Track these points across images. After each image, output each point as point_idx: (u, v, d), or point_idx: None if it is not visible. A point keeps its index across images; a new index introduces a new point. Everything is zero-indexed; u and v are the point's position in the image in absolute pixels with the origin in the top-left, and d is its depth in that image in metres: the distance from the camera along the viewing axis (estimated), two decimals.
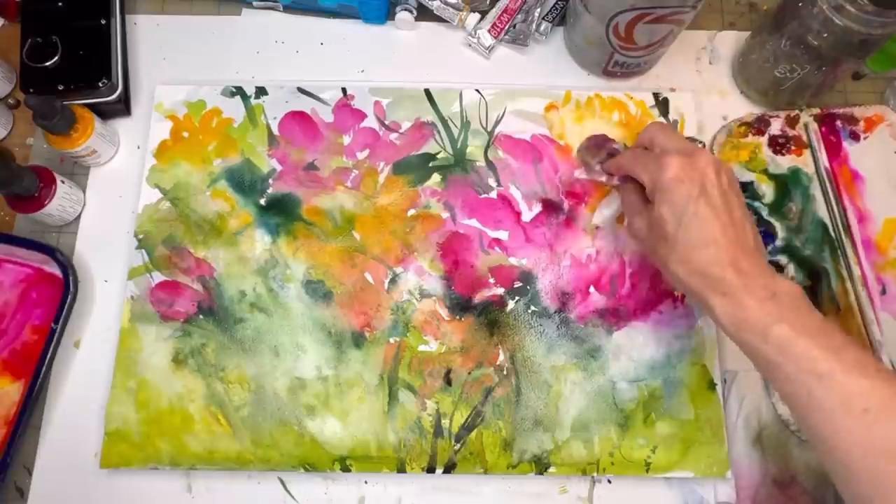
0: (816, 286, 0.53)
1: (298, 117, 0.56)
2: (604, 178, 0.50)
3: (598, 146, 0.51)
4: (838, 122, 0.56)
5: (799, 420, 0.38)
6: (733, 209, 0.41)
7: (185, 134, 0.55)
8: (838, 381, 0.35)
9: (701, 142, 0.55)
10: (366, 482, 0.49)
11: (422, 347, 0.51)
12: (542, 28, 0.59)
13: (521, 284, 0.52)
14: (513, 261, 0.53)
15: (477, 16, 0.58)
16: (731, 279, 0.39)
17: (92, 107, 0.53)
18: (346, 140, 0.55)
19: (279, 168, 0.54)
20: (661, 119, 0.56)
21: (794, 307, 0.38)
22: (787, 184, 0.55)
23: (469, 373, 0.50)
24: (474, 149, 0.55)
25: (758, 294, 0.39)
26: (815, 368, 0.36)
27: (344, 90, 0.56)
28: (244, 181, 0.54)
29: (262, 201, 0.54)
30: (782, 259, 0.53)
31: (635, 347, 0.51)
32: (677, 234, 0.41)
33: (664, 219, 0.42)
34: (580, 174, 0.53)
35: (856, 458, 0.35)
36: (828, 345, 0.36)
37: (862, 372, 0.35)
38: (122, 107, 0.56)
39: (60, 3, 0.55)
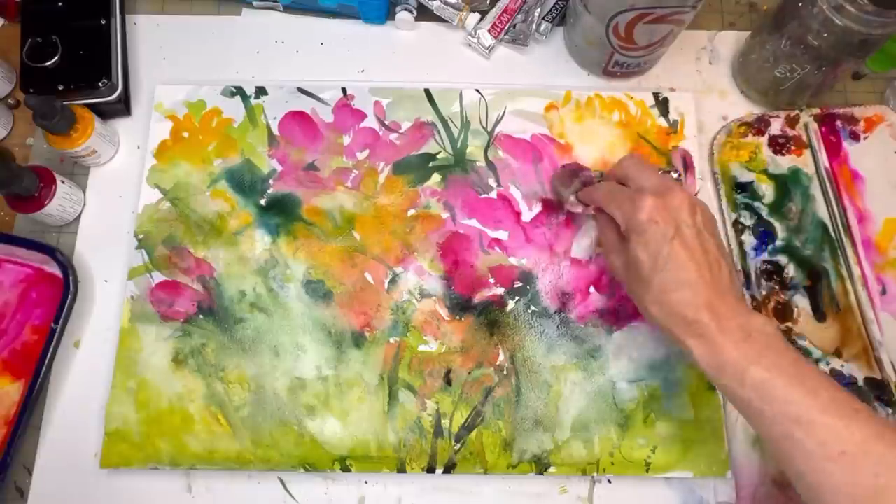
0: (816, 286, 0.53)
1: (298, 117, 0.56)
2: (579, 210, 0.49)
3: (573, 175, 0.50)
4: (838, 122, 0.56)
5: (780, 461, 0.38)
6: (708, 249, 0.41)
7: (185, 134, 0.55)
8: (815, 422, 0.35)
9: (678, 171, 0.53)
10: (366, 482, 0.49)
11: (422, 347, 0.51)
12: (542, 28, 0.59)
13: (521, 284, 0.52)
14: (513, 261, 0.53)
15: (477, 16, 0.58)
16: (705, 321, 0.39)
17: (92, 107, 0.53)
18: (346, 140, 0.55)
19: (279, 168, 0.54)
20: (662, 119, 0.56)
21: (769, 346, 0.38)
22: (787, 184, 0.55)
23: (469, 373, 0.50)
24: (474, 149, 0.55)
25: (733, 335, 0.39)
26: (793, 410, 0.36)
27: (344, 90, 0.56)
28: (244, 181, 0.54)
29: (263, 201, 0.54)
30: (782, 259, 0.53)
31: (635, 347, 0.51)
32: (653, 276, 0.41)
33: (640, 259, 0.41)
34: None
35: (838, 502, 0.35)
36: (804, 385, 0.37)
37: (838, 412, 0.36)
38: (122, 107, 0.56)
39: (60, 3, 0.55)
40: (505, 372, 0.50)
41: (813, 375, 0.37)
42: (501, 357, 0.50)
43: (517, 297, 0.52)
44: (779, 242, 0.54)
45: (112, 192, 0.55)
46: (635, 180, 0.44)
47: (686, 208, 0.41)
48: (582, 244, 0.53)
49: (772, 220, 0.54)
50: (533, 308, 0.51)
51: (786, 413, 0.36)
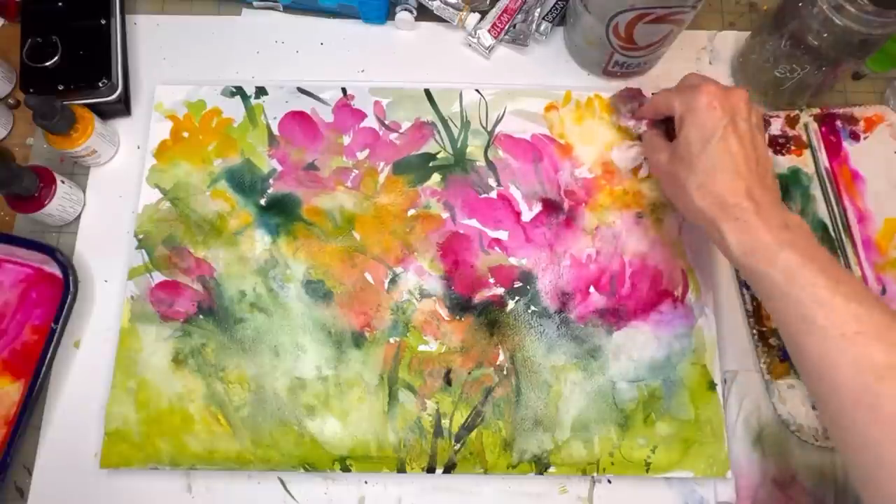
0: None
1: (298, 117, 0.56)
2: (631, 123, 0.52)
3: (632, 97, 0.54)
4: (838, 122, 0.56)
5: (792, 344, 0.39)
6: (757, 145, 0.43)
7: (185, 134, 0.55)
8: (838, 305, 0.37)
9: None
10: (366, 482, 0.49)
11: (422, 347, 0.51)
12: (542, 28, 0.59)
13: (521, 284, 0.52)
14: (513, 261, 0.53)
15: (477, 16, 0.58)
16: (745, 205, 0.41)
17: (92, 107, 0.53)
18: (346, 140, 0.55)
19: (279, 168, 0.54)
20: None
21: (803, 237, 0.40)
22: (787, 184, 0.55)
23: (469, 373, 0.50)
24: (474, 149, 0.55)
25: (770, 222, 0.40)
26: (818, 294, 0.37)
27: (344, 90, 0.56)
28: (244, 181, 0.54)
29: (263, 201, 0.54)
30: None
31: (635, 347, 0.51)
32: (701, 156, 0.42)
33: (690, 141, 0.43)
34: (582, 172, 0.53)
35: (845, 376, 0.36)
36: (832, 274, 0.38)
37: (860, 300, 0.37)
38: (122, 107, 0.56)
39: (60, 3, 0.55)
40: (505, 372, 0.50)
41: (841, 270, 0.39)
42: (501, 357, 0.50)
43: (517, 297, 0.52)
44: None
45: (112, 192, 0.55)
46: (699, 80, 0.46)
47: (744, 106, 0.43)
48: (627, 154, 0.55)
49: None
50: (533, 308, 0.51)
51: (810, 294, 0.37)
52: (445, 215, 0.53)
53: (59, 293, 0.50)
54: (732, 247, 0.41)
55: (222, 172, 0.54)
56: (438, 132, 0.55)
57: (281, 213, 0.53)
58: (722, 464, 0.48)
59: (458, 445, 0.49)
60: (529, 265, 0.52)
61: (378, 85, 0.57)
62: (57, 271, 0.51)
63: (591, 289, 0.52)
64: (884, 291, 0.52)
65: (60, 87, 0.53)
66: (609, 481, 0.49)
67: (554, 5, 0.59)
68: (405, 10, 0.58)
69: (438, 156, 0.55)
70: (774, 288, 0.39)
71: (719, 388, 0.50)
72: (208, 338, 0.50)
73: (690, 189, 0.43)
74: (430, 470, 0.48)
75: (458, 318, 0.51)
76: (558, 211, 0.54)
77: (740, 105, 0.43)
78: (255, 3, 0.60)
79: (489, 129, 0.56)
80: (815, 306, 0.37)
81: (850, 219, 0.54)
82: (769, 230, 0.40)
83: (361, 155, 0.55)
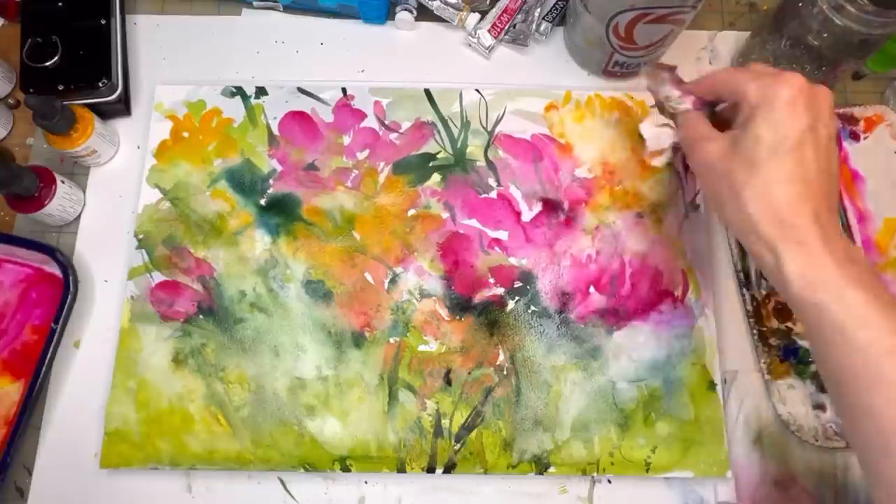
0: None
1: (298, 117, 0.56)
2: (676, 94, 0.44)
3: (669, 69, 0.46)
4: (838, 122, 0.56)
5: (848, 394, 0.35)
6: (832, 159, 0.37)
7: (185, 134, 0.55)
8: None
9: None
10: (366, 482, 0.49)
11: (422, 347, 0.51)
12: (542, 28, 0.59)
13: (521, 284, 0.52)
14: (513, 261, 0.53)
15: (477, 16, 0.58)
16: (810, 228, 0.35)
17: (92, 107, 0.53)
18: (346, 140, 0.55)
19: (279, 168, 0.54)
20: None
21: (869, 275, 0.35)
22: None
23: (469, 373, 0.50)
24: (474, 148, 0.55)
25: (837, 254, 0.35)
26: (890, 343, 0.33)
27: (344, 90, 0.56)
28: (244, 181, 0.54)
29: (263, 201, 0.54)
30: None
31: (635, 347, 0.51)
32: (770, 161, 0.36)
33: (760, 140, 0.36)
34: (582, 172, 0.52)
35: None
36: None
37: None
38: (122, 107, 0.56)
39: (60, 3, 0.55)
40: (505, 372, 0.50)
41: None
42: (501, 357, 0.50)
43: (517, 297, 0.52)
44: None
45: (112, 192, 0.55)
46: (776, 71, 0.39)
47: (828, 109, 0.37)
48: (657, 131, 0.47)
49: None
50: (533, 308, 0.51)
51: (880, 344, 0.33)
52: (445, 215, 0.53)
53: (59, 293, 0.50)
54: (790, 274, 0.35)
55: (222, 172, 0.54)
56: (438, 132, 0.55)
57: (281, 213, 0.53)
58: (722, 464, 0.48)
59: (458, 445, 0.49)
60: (529, 265, 0.52)
61: (378, 85, 0.57)
62: (57, 271, 0.51)
63: (591, 289, 0.52)
64: None
65: (60, 87, 0.53)
66: (609, 481, 0.49)
67: (554, 5, 0.59)
68: (405, 10, 0.58)
69: (438, 156, 0.55)
70: (836, 330, 0.34)
71: (719, 388, 0.50)
72: (208, 338, 0.50)
73: (746, 195, 0.36)
74: (430, 470, 0.48)
75: (458, 318, 0.51)
76: (558, 211, 0.54)
77: (824, 108, 0.37)
78: (255, 3, 0.60)
79: (489, 128, 0.56)
80: (885, 357, 0.33)
81: (850, 219, 0.54)
82: (837, 264, 0.34)
83: (361, 155, 0.55)
